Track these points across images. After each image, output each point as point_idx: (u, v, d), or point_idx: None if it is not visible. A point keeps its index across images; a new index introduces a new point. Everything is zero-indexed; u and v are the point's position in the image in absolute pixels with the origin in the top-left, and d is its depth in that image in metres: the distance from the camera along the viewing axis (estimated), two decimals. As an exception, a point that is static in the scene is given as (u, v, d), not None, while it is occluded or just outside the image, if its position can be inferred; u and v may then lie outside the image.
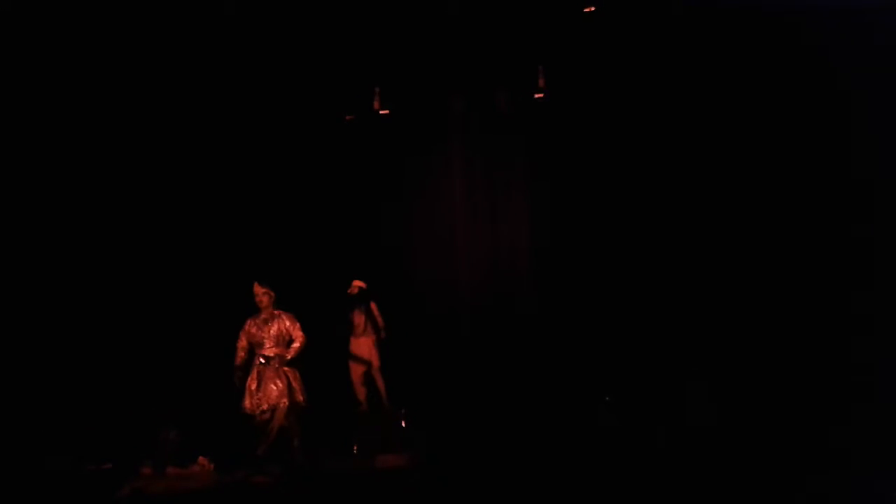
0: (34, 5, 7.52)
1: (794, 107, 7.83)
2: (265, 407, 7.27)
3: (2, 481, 6.52)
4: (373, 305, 8.45)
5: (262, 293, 7.46)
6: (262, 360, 7.36)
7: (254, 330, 7.43)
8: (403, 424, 7.99)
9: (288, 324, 7.43)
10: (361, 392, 8.41)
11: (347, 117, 9.22)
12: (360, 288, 8.41)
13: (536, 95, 8.89)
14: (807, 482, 5.81)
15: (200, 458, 7.64)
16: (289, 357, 7.37)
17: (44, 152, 8.17)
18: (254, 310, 7.65)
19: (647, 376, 7.81)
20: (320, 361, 8.18)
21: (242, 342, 7.45)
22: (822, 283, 7.60)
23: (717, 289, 8.05)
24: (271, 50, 8.55)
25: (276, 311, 7.46)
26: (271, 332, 7.40)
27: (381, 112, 9.12)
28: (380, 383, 8.40)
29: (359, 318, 8.41)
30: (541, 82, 8.85)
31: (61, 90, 8.13)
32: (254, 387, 7.35)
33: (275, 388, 7.28)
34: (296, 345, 7.40)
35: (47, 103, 8.10)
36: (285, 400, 7.26)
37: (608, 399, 7.67)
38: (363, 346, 8.40)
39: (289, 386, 7.32)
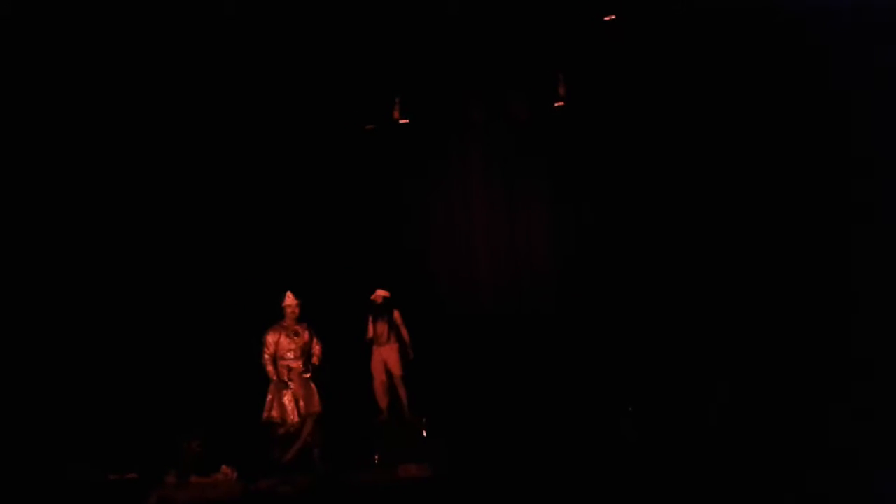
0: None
1: (819, 112, 7.77)
2: (294, 418, 7.35)
3: (28, 490, 6.57)
4: (396, 315, 8.46)
5: (296, 304, 7.54)
6: (301, 371, 7.46)
7: (284, 341, 7.52)
8: (424, 434, 7.97)
9: (311, 337, 7.56)
10: (383, 401, 8.40)
11: (367, 126, 9.25)
12: (384, 297, 8.43)
13: (556, 103, 8.88)
14: (824, 483, 5.77)
15: (223, 467, 7.65)
16: (314, 363, 7.52)
17: (75, 166, 8.27)
18: (273, 318, 7.72)
19: (671, 383, 7.75)
20: (342, 370, 8.26)
21: (267, 355, 7.53)
22: (847, 288, 7.53)
23: (738, 294, 8.00)
24: (294, 61, 8.61)
25: (301, 323, 7.56)
26: (300, 343, 7.52)
27: (400, 121, 9.16)
28: (401, 392, 8.40)
29: (382, 327, 8.42)
30: (560, 90, 8.85)
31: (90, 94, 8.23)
32: (281, 396, 7.43)
33: (308, 396, 7.38)
34: (317, 353, 7.55)
35: (72, 107, 8.18)
36: (319, 409, 7.35)
37: (631, 409, 7.62)
38: (386, 354, 8.41)
39: (318, 394, 7.44)
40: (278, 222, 9.01)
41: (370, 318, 8.47)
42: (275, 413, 7.47)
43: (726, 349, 7.80)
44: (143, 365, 8.23)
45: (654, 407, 7.64)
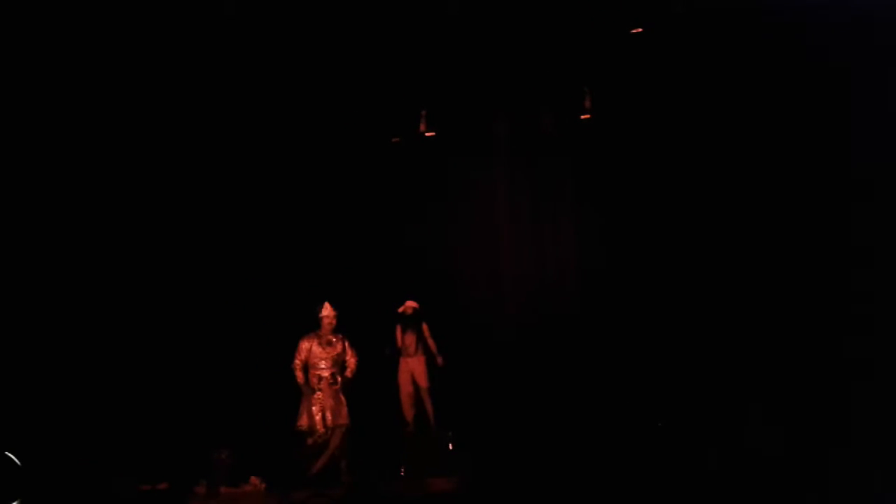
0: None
1: (847, 126, 7.71)
2: (322, 428, 7.41)
3: (63, 502, 6.67)
4: (425, 327, 8.51)
5: (333, 315, 7.60)
6: (331, 381, 7.51)
7: (317, 349, 7.57)
8: (451, 447, 8.00)
9: (346, 347, 7.57)
10: (409, 413, 8.44)
11: (394, 139, 9.32)
12: (414, 308, 8.47)
13: (582, 116, 8.89)
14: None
15: (252, 478, 7.75)
16: (348, 376, 7.54)
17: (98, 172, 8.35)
18: (303, 329, 7.78)
19: (702, 400, 7.71)
20: (369, 382, 8.30)
21: (298, 361, 7.59)
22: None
23: (769, 308, 7.95)
24: (322, 74, 8.67)
25: (337, 334, 7.59)
26: (333, 353, 7.56)
27: (426, 134, 9.21)
28: (428, 405, 8.43)
29: (409, 339, 8.46)
30: (587, 103, 8.85)
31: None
32: (311, 406, 7.49)
33: (337, 408, 7.43)
34: (352, 367, 7.61)
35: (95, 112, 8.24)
36: (347, 421, 7.41)
37: (660, 425, 7.61)
38: (413, 366, 8.45)
39: (347, 406, 7.49)
40: (307, 234, 9.09)
41: (398, 330, 8.53)
42: (303, 422, 7.53)
43: (756, 361, 7.75)
44: (174, 376, 8.32)
45: (684, 420, 7.61)
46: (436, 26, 8.41)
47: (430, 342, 8.48)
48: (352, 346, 7.70)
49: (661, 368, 8.17)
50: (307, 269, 8.89)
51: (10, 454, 6.06)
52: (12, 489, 5.96)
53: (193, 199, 8.76)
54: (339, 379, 7.59)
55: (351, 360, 7.63)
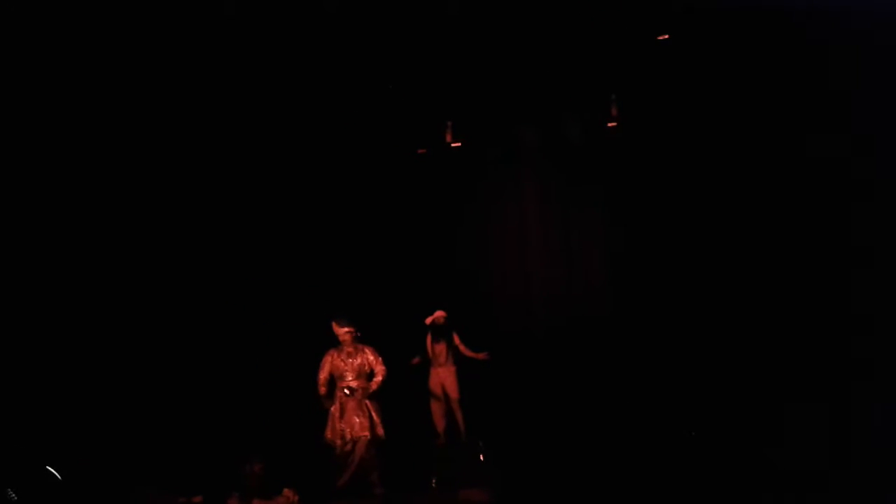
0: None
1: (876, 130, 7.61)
2: (347, 438, 7.41)
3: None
4: (455, 336, 8.52)
5: (343, 332, 7.60)
6: (347, 392, 7.50)
7: (338, 362, 7.58)
8: (482, 458, 7.99)
9: (371, 357, 7.58)
10: (440, 424, 8.45)
11: (420, 150, 9.35)
12: (443, 318, 8.48)
13: (609, 124, 8.87)
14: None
15: (286, 491, 7.76)
16: (372, 390, 7.50)
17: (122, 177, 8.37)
18: (333, 341, 7.81)
19: (735, 410, 7.63)
20: (399, 392, 8.32)
21: (323, 374, 7.60)
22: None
23: (804, 312, 7.85)
24: (348, 87, 8.74)
25: (359, 345, 7.60)
26: (355, 364, 7.55)
27: (453, 145, 9.23)
28: (458, 416, 8.44)
29: (439, 349, 8.48)
30: (613, 111, 8.83)
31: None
32: (337, 418, 7.50)
33: (357, 420, 7.43)
34: (378, 378, 7.54)
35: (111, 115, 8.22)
36: (367, 433, 7.39)
37: (693, 434, 7.54)
38: (443, 376, 8.46)
39: (370, 419, 7.44)
40: (335, 246, 9.14)
41: (428, 340, 8.54)
42: (327, 434, 7.54)
43: (787, 366, 7.67)
44: (208, 389, 8.39)
45: (717, 429, 7.53)
46: (462, 36, 8.43)
47: (463, 348, 8.49)
48: (378, 355, 7.58)
49: (692, 376, 8.10)
50: (338, 281, 8.93)
51: (50, 468, 6.14)
52: (53, 503, 6.04)
53: (224, 210, 8.83)
54: (358, 391, 7.48)
55: (378, 370, 7.56)
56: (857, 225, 7.65)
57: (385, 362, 7.66)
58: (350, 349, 7.60)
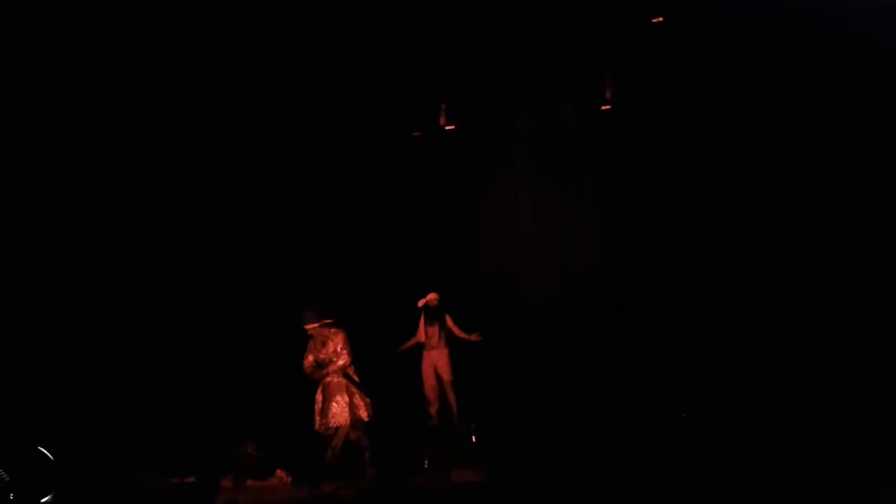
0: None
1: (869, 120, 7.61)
2: (330, 424, 7.46)
3: (92, 495, 6.78)
4: (448, 318, 8.53)
5: (309, 329, 7.59)
6: (325, 376, 7.57)
7: (315, 352, 7.63)
8: (474, 439, 8.03)
9: (339, 345, 7.58)
10: (433, 406, 8.48)
11: (415, 133, 9.32)
12: (436, 300, 8.49)
13: (603, 108, 8.85)
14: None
15: (279, 472, 7.84)
16: (330, 371, 7.52)
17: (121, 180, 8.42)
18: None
19: (728, 392, 7.67)
20: (392, 374, 8.35)
21: (308, 360, 7.65)
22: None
23: (794, 295, 7.88)
24: (342, 70, 8.69)
25: (328, 331, 7.60)
26: (329, 352, 7.58)
27: (447, 128, 9.21)
28: (451, 397, 8.47)
29: (432, 331, 8.50)
30: (608, 94, 8.80)
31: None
32: (320, 404, 7.55)
33: (336, 405, 7.48)
34: (336, 363, 7.54)
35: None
36: (346, 418, 7.43)
37: (684, 416, 7.58)
38: (436, 359, 8.48)
39: (350, 403, 7.49)
40: (327, 229, 9.14)
41: (421, 322, 8.56)
42: (315, 424, 7.59)
43: (780, 351, 7.70)
44: (201, 371, 8.41)
45: (710, 411, 7.57)
46: (456, 19, 8.39)
47: (456, 330, 8.52)
48: (346, 343, 7.55)
49: (684, 357, 8.14)
50: (330, 266, 8.93)
51: (43, 449, 6.16)
52: (46, 483, 6.07)
53: (224, 194, 8.84)
54: (332, 374, 7.52)
55: (341, 358, 7.53)
56: (850, 210, 7.66)
57: (357, 346, 7.62)
58: (321, 338, 7.62)
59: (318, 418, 7.56)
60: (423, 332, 8.55)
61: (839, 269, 7.62)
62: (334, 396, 7.50)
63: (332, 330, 7.61)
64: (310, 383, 7.68)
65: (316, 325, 7.57)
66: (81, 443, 7.23)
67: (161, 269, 8.52)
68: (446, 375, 8.48)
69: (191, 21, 7.92)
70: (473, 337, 8.48)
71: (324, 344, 7.60)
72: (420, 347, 8.59)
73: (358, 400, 7.54)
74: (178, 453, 7.72)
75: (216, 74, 8.47)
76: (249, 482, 7.71)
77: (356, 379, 7.65)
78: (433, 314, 8.53)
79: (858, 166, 7.59)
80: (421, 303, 8.60)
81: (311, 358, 7.64)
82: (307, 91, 8.85)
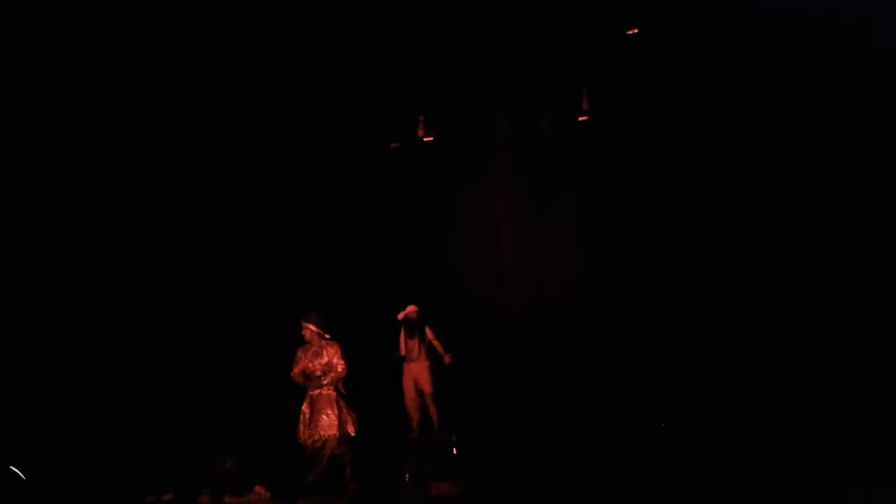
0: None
1: (846, 125, 7.67)
2: (317, 437, 7.40)
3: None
4: (428, 330, 8.51)
5: (303, 328, 7.57)
6: (318, 388, 7.49)
7: (306, 362, 7.57)
8: (455, 452, 7.99)
9: (335, 357, 7.55)
10: (414, 418, 8.45)
11: (392, 145, 9.32)
12: (415, 313, 8.46)
13: (581, 118, 8.89)
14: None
15: (257, 487, 7.74)
16: (324, 383, 7.46)
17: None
18: (304, 339, 7.78)
19: (706, 400, 7.69)
20: (372, 387, 8.30)
21: (296, 370, 7.59)
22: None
23: (771, 307, 7.91)
24: (319, 82, 8.68)
25: (323, 342, 7.57)
26: (321, 363, 7.53)
27: (425, 139, 9.21)
28: (432, 410, 8.44)
29: (412, 344, 8.47)
30: (585, 105, 8.85)
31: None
32: (307, 417, 7.49)
33: (326, 418, 7.43)
34: (332, 374, 7.52)
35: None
36: (335, 431, 7.38)
37: (664, 425, 7.60)
38: (416, 371, 8.45)
39: (339, 416, 7.43)
40: (306, 241, 9.12)
41: (401, 335, 8.53)
42: (299, 433, 7.53)
43: (760, 362, 7.72)
44: (178, 385, 8.33)
45: (688, 421, 7.59)
46: (433, 30, 8.41)
47: (436, 344, 8.50)
48: (341, 354, 7.54)
49: (664, 368, 8.15)
50: (310, 276, 8.89)
51: (14, 468, 6.06)
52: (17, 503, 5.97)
53: (196, 204, 8.78)
54: (324, 386, 7.47)
55: (339, 367, 7.50)
56: (829, 204, 7.65)
57: (349, 360, 7.60)
58: (315, 348, 7.58)
59: (303, 429, 7.48)
60: (404, 344, 8.51)
61: (833, 280, 7.62)
62: (324, 409, 7.44)
63: (328, 341, 7.58)
64: (290, 396, 7.62)
65: (316, 330, 7.52)
66: (56, 459, 7.12)
67: (138, 282, 8.44)
68: (427, 388, 8.45)
69: (152, 38, 7.89)
70: (447, 358, 8.45)
71: (317, 354, 7.55)
72: (400, 360, 8.55)
73: (346, 415, 7.50)
74: (155, 470, 7.62)
75: (198, 85, 8.44)
76: (227, 499, 7.61)
77: (344, 392, 7.60)
78: (413, 327, 8.50)
79: (848, 181, 7.58)
80: (400, 315, 8.57)
81: (299, 368, 7.58)
82: (286, 103, 8.82)
